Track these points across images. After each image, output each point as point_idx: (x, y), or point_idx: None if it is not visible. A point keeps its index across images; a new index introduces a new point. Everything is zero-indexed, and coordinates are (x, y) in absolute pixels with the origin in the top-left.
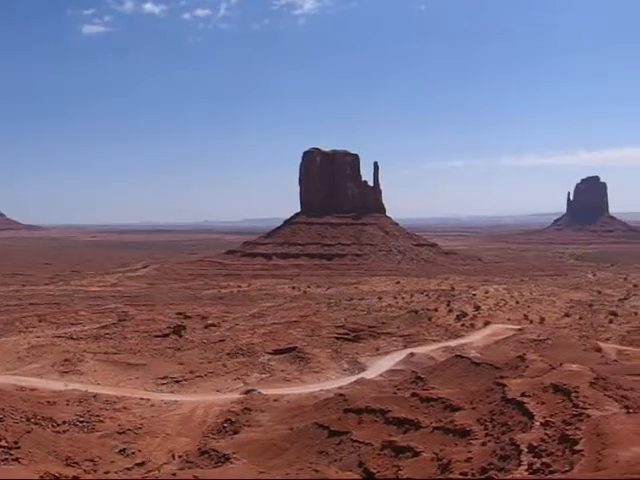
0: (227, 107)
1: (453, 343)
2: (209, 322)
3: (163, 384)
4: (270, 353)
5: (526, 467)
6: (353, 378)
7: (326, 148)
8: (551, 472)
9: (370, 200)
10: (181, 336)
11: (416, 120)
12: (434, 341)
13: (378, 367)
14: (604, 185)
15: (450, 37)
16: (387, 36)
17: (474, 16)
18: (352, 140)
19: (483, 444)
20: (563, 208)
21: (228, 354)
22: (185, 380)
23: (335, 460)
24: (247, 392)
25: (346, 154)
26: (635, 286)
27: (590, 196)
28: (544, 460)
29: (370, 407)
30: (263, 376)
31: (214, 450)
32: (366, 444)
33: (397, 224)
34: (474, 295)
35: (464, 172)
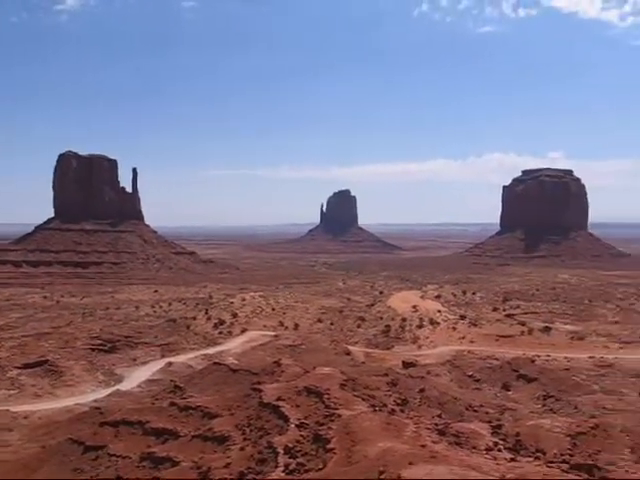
0: None
1: (211, 351)
2: None
3: None
4: (19, 367)
5: (283, 468)
6: (110, 390)
7: (83, 152)
8: (306, 471)
9: (128, 207)
10: None
11: (178, 127)
12: (192, 349)
13: (136, 378)
14: (354, 198)
15: (215, 44)
16: (156, 39)
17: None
18: (109, 145)
19: (242, 449)
20: (317, 219)
21: None
22: None
23: (91, 476)
24: None
25: (104, 159)
26: (381, 293)
27: (341, 208)
28: (299, 460)
29: (127, 419)
30: (12, 392)
31: None
32: (124, 457)
33: (155, 232)
34: (231, 303)
35: (224, 181)
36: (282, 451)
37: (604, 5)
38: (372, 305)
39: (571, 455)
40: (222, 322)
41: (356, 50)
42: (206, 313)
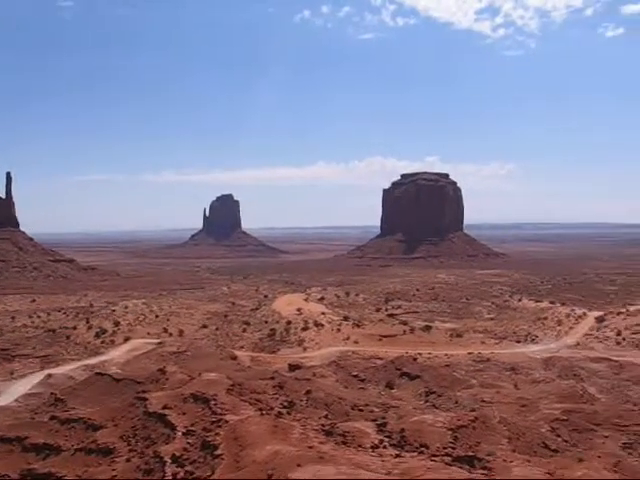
0: None
1: (93, 361)
2: None
3: None
4: None
5: (170, 478)
6: None
7: None
8: (195, 479)
9: (2, 213)
10: None
11: (58, 131)
12: (74, 360)
13: (13, 392)
14: (237, 203)
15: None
16: (33, 38)
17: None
18: None
19: (127, 460)
20: (200, 224)
21: None
22: None
23: None
24: None
25: None
26: (265, 297)
27: (224, 213)
28: (187, 469)
29: (4, 436)
30: None
31: None
32: (2, 476)
33: (32, 239)
34: (113, 311)
35: (107, 186)
36: (169, 460)
37: (477, 16)
38: (257, 309)
39: (453, 448)
40: (104, 331)
41: (238, 54)
42: (87, 322)
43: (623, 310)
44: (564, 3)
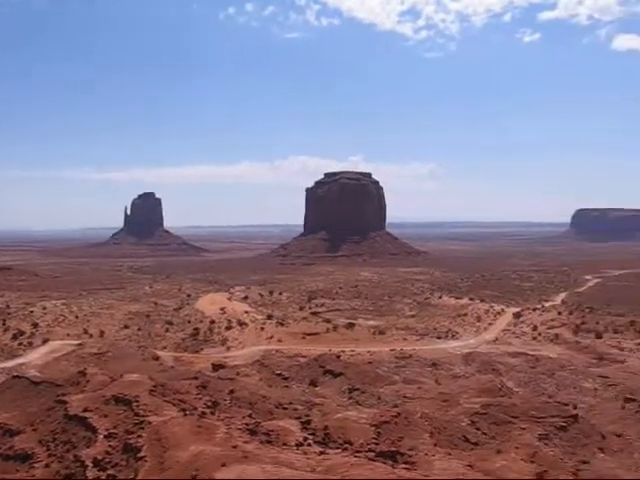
0: None
1: (10, 364)
2: None
3: None
4: None
5: None
6: None
7: None
8: None
9: None
10: None
11: None
12: None
13: None
14: (159, 201)
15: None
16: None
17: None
18: None
19: (47, 465)
20: (121, 222)
21: None
22: None
23: None
24: None
25: None
26: (189, 296)
27: (146, 211)
28: (109, 472)
29: None
30: None
31: None
32: None
33: None
34: (31, 312)
35: (23, 183)
36: (91, 464)
37: (400, 18)
38: (180, 308)
39: (376, 444)
40: (22, 333)
41: (162, 51)
42: (3, 324)
43: (539, 306)
44: (484, 8)
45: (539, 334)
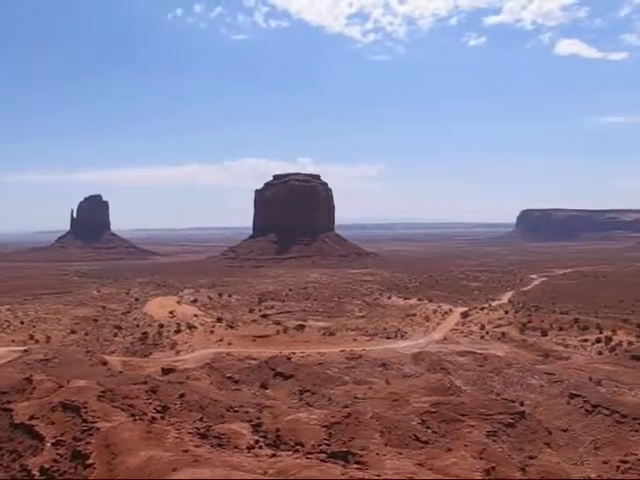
0: None
1: None
2: None
3: None
4: None
5: None
6: None
7: None
8: None
9: None
10: None
11: None
12: None
13: None
14: (106, 204)
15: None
16: None
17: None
18: None
19: None
20: (67, 225)
21: None
22: None
23: None
24: None
25: None
26: (137, 300)
27: (93, 214)
28: None
29: None
30: None
31: None
32: None
33: None
34: None
35: None
36: (38, 473)
37: (348, 21)
38: (128, 312)
39: (328, 444)
40: None
41: (109, 51)
42: None
43: (486, 305)
44: (430, 12)
45: (487, 333)
